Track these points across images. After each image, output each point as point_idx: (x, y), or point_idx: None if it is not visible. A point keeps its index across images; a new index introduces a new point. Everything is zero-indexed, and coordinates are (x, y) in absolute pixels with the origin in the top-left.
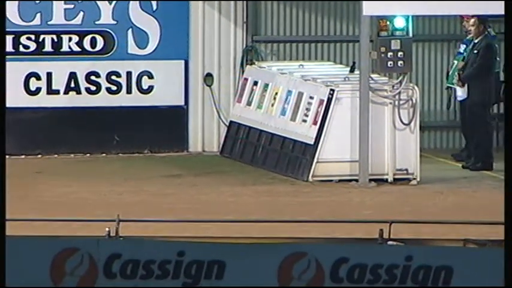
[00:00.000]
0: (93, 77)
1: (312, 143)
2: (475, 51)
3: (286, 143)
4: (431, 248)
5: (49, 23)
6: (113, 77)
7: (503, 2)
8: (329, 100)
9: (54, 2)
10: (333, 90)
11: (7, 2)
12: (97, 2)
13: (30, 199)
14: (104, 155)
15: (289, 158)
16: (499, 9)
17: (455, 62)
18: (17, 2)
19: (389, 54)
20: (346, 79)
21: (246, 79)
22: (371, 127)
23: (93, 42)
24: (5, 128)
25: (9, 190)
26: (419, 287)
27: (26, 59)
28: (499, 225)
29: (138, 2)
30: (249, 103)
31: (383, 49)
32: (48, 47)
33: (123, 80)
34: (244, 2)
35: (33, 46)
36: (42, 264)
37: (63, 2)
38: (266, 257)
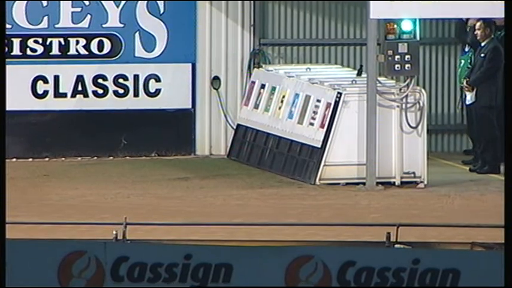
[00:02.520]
0: (100, 80)
1: (319, 146)
2: (482, 55)
3: (293, 146)
4: (439, 251)
5: (56, 26)
6: (120, 80)
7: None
8: (336, 103)
9: (61, 4)
10: (340, 93)
11: (14, 5)
12: (104, 5)
13: (38, 202)
14: (111, 158)
15: (297, 161)
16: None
17: (462, 61)
18: (24, 5)
19: (397, 57)
20: (354, 82)
21: (253, 82)
22: (378, 130)
23: (101, 46)
24: (5, 129)
25: (17, 193)
26: None
27: (33, 62)
28: None
29: (145, 5)
30: (256, 106)
31: (390, 52)
32: (55, 50)
33: (130, 83)
34: (252, 4)
35: (40, 49)
36: (49, 267)
37: (70, 5)
38: (273, 260)
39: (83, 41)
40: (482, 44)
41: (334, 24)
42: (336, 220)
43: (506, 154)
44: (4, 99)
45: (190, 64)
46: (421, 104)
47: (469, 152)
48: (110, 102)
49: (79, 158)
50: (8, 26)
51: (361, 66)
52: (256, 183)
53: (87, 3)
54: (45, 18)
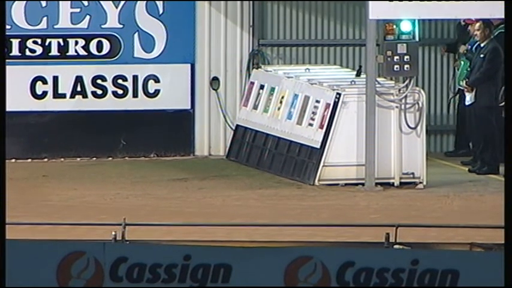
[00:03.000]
0: (99, 81)
1: (318, 146)
2: (482, 55)
3: (293, 146)
4: (438, 251)
5: (55, 26)
6: (119, 81)
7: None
8: (335, 104)
9: (60, 5)
10: (339, 94)
11: (13, 6)
12: (103, 5)
13: (37, 203)
14: (110, 158)
15: (296, 161)
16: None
17: (462, 62)
18: (23, 6)
19: (396, 58)
20: (353, 83)
21: (252, 83)
22: (377, 131)
23: (100, 46)
24: (5, 130)
25: (16, 194)
26: None
27: (32, 63)
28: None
29: (144, 5)
30: (255, 107)
31: (389, 53)
32: (54, 51)
33: (129, 84)
34: (251, 5)
35: (39, 50)
36: (48, 268)
37: (69, 5)
38: (272, 261)
39: (82, 42)
40: (482, 45)
41: (333, 24)
42: (335, 221)
43: (506, 154)
44: (4, 100)
45: (189, 65)
46: (420, 105)
47: (450, 154)
48: (109, 103)
49: (78, 159)
50: (7, 26)
51: (360, 66)
52: (255, 183)
53: (86, 3)
54: (44, 18)
